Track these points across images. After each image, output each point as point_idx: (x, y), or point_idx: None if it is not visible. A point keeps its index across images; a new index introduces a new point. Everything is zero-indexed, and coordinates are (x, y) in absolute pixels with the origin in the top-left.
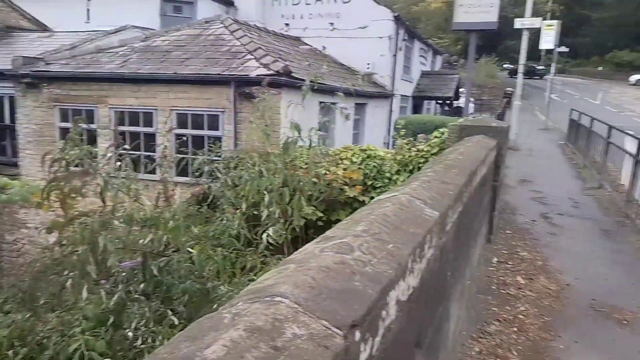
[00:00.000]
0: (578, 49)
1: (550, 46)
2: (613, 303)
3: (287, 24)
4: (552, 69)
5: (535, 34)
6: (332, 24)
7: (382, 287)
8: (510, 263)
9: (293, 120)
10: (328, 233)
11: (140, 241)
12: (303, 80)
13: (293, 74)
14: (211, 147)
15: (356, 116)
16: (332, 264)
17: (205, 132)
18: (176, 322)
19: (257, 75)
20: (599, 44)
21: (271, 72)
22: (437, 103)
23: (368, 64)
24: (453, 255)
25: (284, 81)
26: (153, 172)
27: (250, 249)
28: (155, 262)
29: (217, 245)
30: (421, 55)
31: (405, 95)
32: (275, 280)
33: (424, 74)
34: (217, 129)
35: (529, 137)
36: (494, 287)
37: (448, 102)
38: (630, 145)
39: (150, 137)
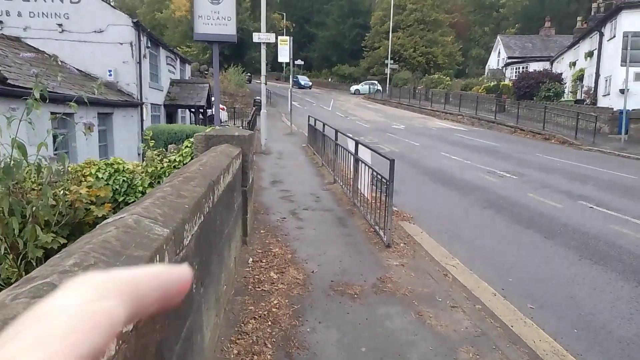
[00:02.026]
0: (312, 62)
1: (286, 59)
2: (346, 280)
3: (0, 22)
4: (291, 80)
5: (276, 47)
6: (60, 25)
7: None
8: (264, 261)
9: (17, 138)
10: (32, 273)
11: None
12: (25, 88)
13: (10, 82)
14: None
15: (102, 127)
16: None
17: None
18: None
19: None
20: (326, 58)
21: None
22: (191, 112)
23: (110, 70)
24: (199, 266)
25: None
26: None
27: None
28: None
29: None
30: (169, 64)
31: (156, 104)
32: None
33: (174, 83)
34: None
35: (278, 142)
36: (250, 287)
37: (201, 110)
38: (351, 145)
39: None
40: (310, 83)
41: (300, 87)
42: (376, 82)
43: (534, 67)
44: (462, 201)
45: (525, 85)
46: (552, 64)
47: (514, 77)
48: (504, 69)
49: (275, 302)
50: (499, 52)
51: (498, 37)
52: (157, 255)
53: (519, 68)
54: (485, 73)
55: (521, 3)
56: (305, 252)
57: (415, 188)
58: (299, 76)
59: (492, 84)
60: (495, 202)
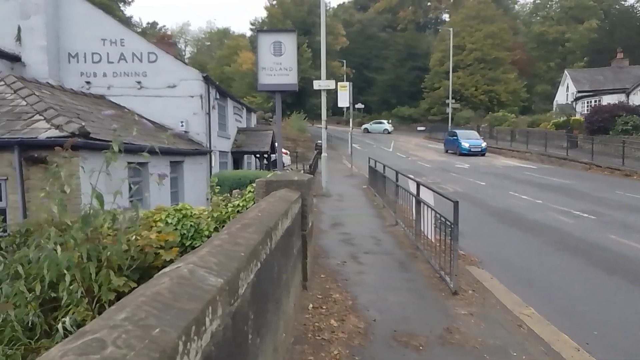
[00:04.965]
0: (371, 105)
1: (346, 104)
2: (410, 330)
3: (88, 82)
4: (351, 123)
5: (336, 92)
6: (139, 82)
7: None
8: (324, 307)
9: (95, 188)
10: (85, 327)
11: None
12: (105, 141)
13: (92, 135)
14: None
15: (173, 174)
16: None
17: None
18: None
19: (48, 137)
20: (385, 101)
21: (65, 133)
22: (256, 157)
23: (182, 122)
24: (255, 315)
25: (82, 143)
26: None
27: (47, 340)
28: None
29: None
30: (236, 113)
31: (224, 151)
32: None
33: (241, 131)
34: None
35: (338, 184)
36: (310, 335)
37: (266, 155)
38: (412, 187)
39: None
40: (484, 145)
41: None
42: (385, 121)
43: (607, 100)
44: (535, 244)
45: (598, 120)
46: (628, 96)
47: (585, 112)
48: (574, 103)
49: (335, 352)
50: (567, 87)
51: (565, 71)
52: (209, 308)
53: (590, 102)
54: (553, 108)
55: (588, 36)
56: (366, 299)
57: (483, 230)
58: (466, 136)
59: (562, 119)
60: (571, 244)
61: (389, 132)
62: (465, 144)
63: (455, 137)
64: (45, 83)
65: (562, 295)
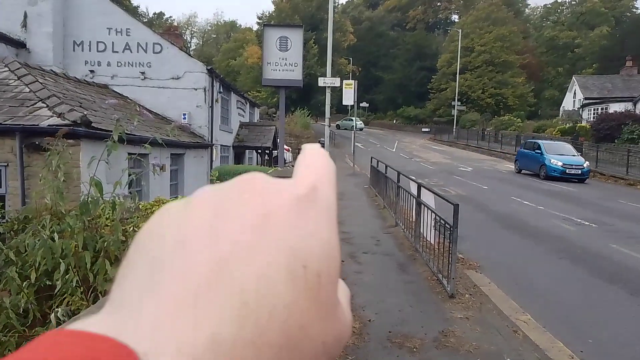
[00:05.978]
0: (377, 104)
1: (351, 102)
2: (405, 332)
3: (92, 71)
4: (354, 122)
5: (341, 90)
6: (143, 73)
7: None
8: None
9: (95, 177)
10: (81, 314)
11: None
12: (107, 131)
13: (94, 125)
14: None
15: (174, 167)
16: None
17: None
18: None
19: (49, 125)
20: (391, 100)
21: (67, 122)
22: (258, 153)
23: (184, 114)
24: None
25: (83, 132)
26: None
27: (42, 328)
28: None
29: None
30: (239, 107)
31: (225, 145)
32: None
33: (243, 125)
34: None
35: (340, 182)
36: None
37: (267, 151)
38: (413, 188)
39: None
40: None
41: None
42: (353, 119)
43: (614, 108)
44: (535, 250)
45: (605, 127)
46: (635, 105)
47: (591, 119)
48: (581, 110)
49: None
50: (575, 93)
51: (574, 77)
52: None
53: (597, 109)
54: (560, 115)
55: (598, 43)
56: (362, 299)
57: (483, 234)
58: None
59: (567, 125)
60: (572, 252)
61: (357, 129)
62: (557, 163)
63: (539, 152)
64: (49, 70)
65: (561, 303)
